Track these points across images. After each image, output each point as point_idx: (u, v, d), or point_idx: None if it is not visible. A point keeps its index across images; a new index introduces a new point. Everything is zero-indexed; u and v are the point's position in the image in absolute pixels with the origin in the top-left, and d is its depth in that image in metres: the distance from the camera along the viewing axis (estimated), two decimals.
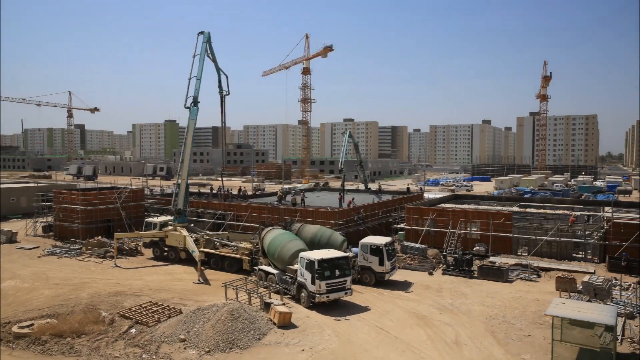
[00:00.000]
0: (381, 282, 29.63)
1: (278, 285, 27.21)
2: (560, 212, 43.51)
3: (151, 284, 30.24)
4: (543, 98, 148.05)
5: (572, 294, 26.65)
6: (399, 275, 31.37)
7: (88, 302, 25.96)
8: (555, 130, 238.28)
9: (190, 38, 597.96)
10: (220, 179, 55.83)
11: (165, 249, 37.14)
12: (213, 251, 34.32)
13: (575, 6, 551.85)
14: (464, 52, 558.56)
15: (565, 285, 27.49)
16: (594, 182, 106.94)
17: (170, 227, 37.38)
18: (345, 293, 25.44)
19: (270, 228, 31.37)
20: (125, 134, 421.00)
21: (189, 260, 35.33)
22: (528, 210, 45.33)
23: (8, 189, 59.90)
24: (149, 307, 24.29)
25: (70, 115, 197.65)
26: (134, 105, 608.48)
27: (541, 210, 45.00)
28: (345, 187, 66.84)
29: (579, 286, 26.85)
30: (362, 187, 68.19)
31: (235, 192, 56.62)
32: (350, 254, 30.53)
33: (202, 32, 37.84)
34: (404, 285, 29.80)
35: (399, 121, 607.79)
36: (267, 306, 23.86)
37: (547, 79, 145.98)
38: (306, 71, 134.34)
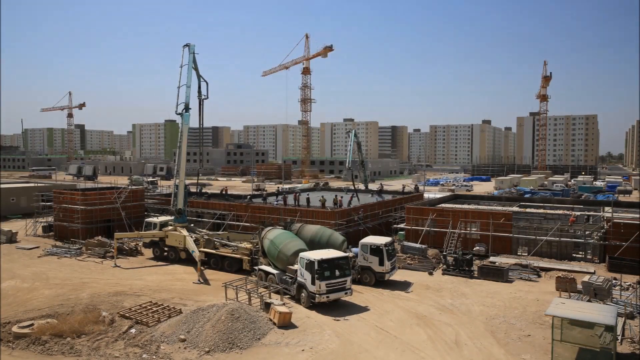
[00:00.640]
0: (381, 282, 29.63)
1: (278, 285, 27.20)
2: (560, 212, 43.50)
3: (151, 284, 30.24)
4: (543, 98, 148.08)
5: (572, 294, 26.65)
6: (399, 275, 31.37)
7: (88, 302, 25.96)
8: (555, 130, 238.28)
9: (190, 38, 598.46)
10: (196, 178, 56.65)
11: (165, 249, 37.14)
12: (213, 251, 34.31)
13: (576, 6, 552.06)
14: (464, 52, 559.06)
15: (565, 285, 27.48)
16: (594, 182, 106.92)
17: (170, 227, 37.38)
18: (345, 293, 25.42)
19: (270, 228, 31.35)
20: (125, 134, 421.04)
21: (189, 260, 35.32)
22: (528, 210, 45.33)
23: (8, 189, 59.90)
24: (149, 307, 24.29)
25: (70, 115, 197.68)
26: (134, 105, 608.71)
27: (541, 210, 44.99)
28: (345, 188, 66.97)
29: (579, 286, 26.84)
30: (362, 186, 68.15)
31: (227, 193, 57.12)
32: (350, 254, 30.54)
33: (187, 45, 38.89)
34: (404, 285, 29.80)
35: (399, 121, 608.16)
36: (267, 306, 23.85)
37: (547, 79, 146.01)
38: (306, 71, 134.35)
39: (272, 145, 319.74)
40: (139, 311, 23.74)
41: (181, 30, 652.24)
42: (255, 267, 30.70)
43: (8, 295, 27.36)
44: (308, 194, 53.82)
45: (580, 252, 36.53)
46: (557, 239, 35.84)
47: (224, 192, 57.03)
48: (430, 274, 32.87)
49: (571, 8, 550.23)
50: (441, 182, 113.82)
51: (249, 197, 50.55)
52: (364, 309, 25.21)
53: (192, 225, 39.04)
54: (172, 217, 38.75)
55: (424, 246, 36.64)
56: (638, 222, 34.43)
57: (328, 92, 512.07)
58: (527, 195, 69.63)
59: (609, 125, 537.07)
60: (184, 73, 38.46)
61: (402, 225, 42.00)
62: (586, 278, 26.83)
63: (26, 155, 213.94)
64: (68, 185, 65.47)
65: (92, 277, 31.84)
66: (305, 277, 25.25)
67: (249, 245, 33.35)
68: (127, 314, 23.35)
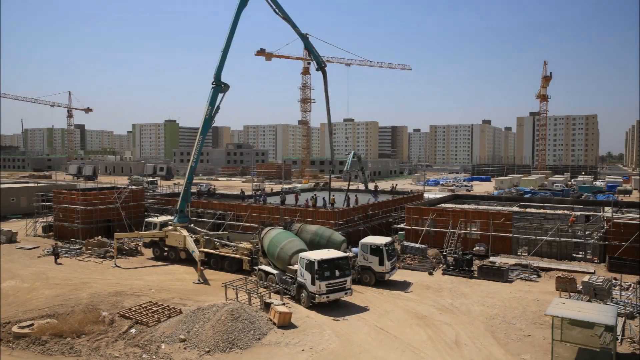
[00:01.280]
0: (381, 282, 29.64)
1: (278, 285, 27.18)
2: (560, 212, 43.51)
3: (151, 284, 30.24)
4: (543, 98, 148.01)
5: (572, 294, 26.65)
6: (399, 275, 31.37)
7: (88, 302, 25.97)
8: (555, 130, 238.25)
9: (190, 38, 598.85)
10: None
11: (165, 249, 37.15)
12: (213, 251, 34.32)
13: (575, 6, 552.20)
14: (464, 52, 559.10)
15: (565, 285, 27.49)
16: (594, 182, 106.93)
17: (170, 227, 37.38)
18: (345, 293, 25.40)
19: (270, 228, 31.32)
20: (125, 134, 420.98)
21: (189, 260, 35.33)
22: (528, 210, 45.33)
23: (8, 189, 59.90)
24: (149, 307, 24.29)
25: (70, 115, 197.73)
26: (134, 105, 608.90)
27: (541, 210, 44.99)
28: (345, 188, 66.96)
29: (579, 286, 26.84)
30: (362, 187, 68.22)
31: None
32: (350, 254, 30.55)
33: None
34: (404, 285, 29.80)
35: (399, 121, 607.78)
36: (267, 306, 23.86)
37: (547, 79, 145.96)
38: (306, 71, 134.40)
39: (272, 145, 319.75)
40: (139, 311, 23.74)
41: (181, 30, 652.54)
42: (255, 267, 30.68)
43: (8, 295, 27.36)
44: (298, 194, 53.68)
45: (580, 252, 36.52)
46: (557, 239, 35.84)
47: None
48: (430, 274, 32.87)
49: (571, 8, 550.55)
50: (441, 182, 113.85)
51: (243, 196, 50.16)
52: (364, 309, 25.21)
53: (192, 225, 39.04)
54: (173, 217, 38.78)
55: (424, 246, 36.65)
56: (638, 222, 34.43)
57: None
58: (527, 195, 69.63)
59: (609, 125, 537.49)
60: None
61: (402, 225, 42.00)
62: (586, 278, 26.82)
63: (26, 155, 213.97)
64: (68, 185, 65.47)
65: (92, 277, 31.84)
66: (305, 277, 25.23)
67: (248, 246, 33.35)
68: (127, 314, 23.35)
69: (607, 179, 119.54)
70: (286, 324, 22.38)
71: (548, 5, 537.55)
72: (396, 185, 66.85)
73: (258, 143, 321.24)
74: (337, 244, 29.95)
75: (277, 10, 39.64)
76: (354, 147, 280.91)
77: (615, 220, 35.33)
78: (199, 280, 30.93)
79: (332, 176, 57.24)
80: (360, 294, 27.67)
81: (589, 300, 24.58)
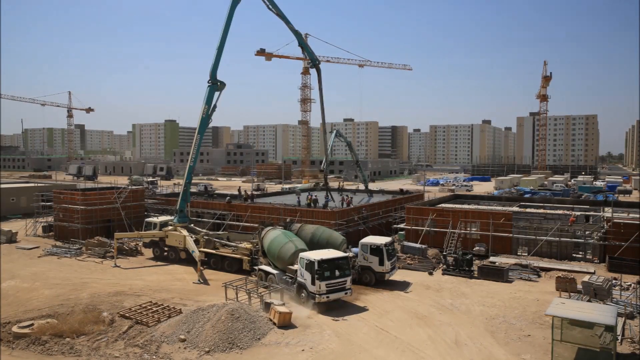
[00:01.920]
0: (381, 282, 29.62)
1: (278, 285, 27.18)
2: (560, 212, 43.49)
3: (151, 284, 30.24)
4: (543, 98, 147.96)
5: (572, 294, 26.65)
6: (399, 275, 31.36)
7: (88, 302, 25.96)
8: (555, 130, 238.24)
9: (190, 37, 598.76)
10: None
11: (165, 249, 37.14)
12: (213, 251, 34.31)
13: (575, 6, 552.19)
14: (464, 52, 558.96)
15: (565, 285, 27.48)
16: (594, 182, 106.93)
17: (170, 227, 37.38)
18: (345, 293, 25.40)
19: (270, 228, 31.31)
20: (125, 134, 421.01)
21: (189, 260, 35.32)
22: (528, 210, 45.32)
23: (8, 189, 59.89)
24: (149, 307, 24.29)
25: (70, 115, 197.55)
26: (134, 105, 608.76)
27: (541, 210, 44.97)
28: (345, 188, 67.00)
29: (579, 286, 26.84)
30: (362, 187, 68.18)
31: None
32: (350, 254, 30.54)
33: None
34: (404, 285, 29.79)
35: (399, 121, 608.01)
36: (267, 306, 23.86)
37: (547, 79, 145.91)
38: (306, 71, 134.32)
39: (272, 145, 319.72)
40: (139, 311, 23.74)
41: (181, 29, 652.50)
42: (255, 267, 30.69)
43: (8, 295, 27.36)
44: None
45: (580, 252, 36.52)
46: (557, 239, 35.84)
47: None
48: (430, 274, 32.87)
49: (571, 8, 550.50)
50: (441, 182, 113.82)
51: (228, 198, 49.95)
52: (364, 309, 25.21)
53: (192, 225, 39.04)
54: (173, 217, 38.79)
55: (424, 246, 36.64)
56: (638, 222, 34.43)
57: (328, 92, 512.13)
58: (527, 195, 69.64)
59: (609, 125, 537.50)
60: None
61: (402, 225, 41.99)
62: (586, 278, 26.82)
63: (26, 155, 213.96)
64: (68, 185, 65.47)
65: (92, 277, 31.84)
66: (305, 277, 25.22)
67: (248, 245, 33.34)
68: (127, 314, 23.34)
69: (607, 179, 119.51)
70: (286, 324, 22.38)
71: (548, 5, 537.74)
72: (404, 189, 66.03)
73: (258, 143, 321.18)
74: (337, 244, 29.94)
75: (270, 7, 39.66)
76: (354, 147, 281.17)
77: (615, 220, 35.33)
78: (199, 280, 30.93)
79: (332, 176, 57.15)
80: (360, 294, 27.66)
81: (589, 300, 24.57)
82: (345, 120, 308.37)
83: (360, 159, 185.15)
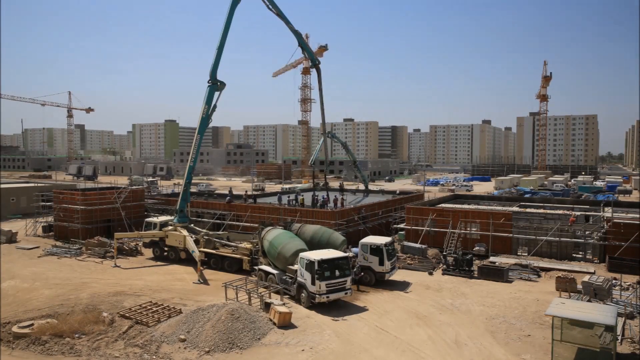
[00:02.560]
0: (381, 282, 29.62)
1: (278, 285, 27.19)
2: (560, 212, 43.49)
3: (151, 284, 30.24)
4: (543, 98, 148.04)
5: (572, 294, 26.65)
6: (399, 275, 31.36)
7: (88, 302, 25.96)
8: (555, 130, 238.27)
9: (189, 37, 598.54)
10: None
11: (165, 249, 37.15)
12: (213, 251, 34.32)
13: (575, 6, 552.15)
14: (464, 52, 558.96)
15: (565, 285, 27.48)
16: (594, 182, 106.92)
17: (170, 227, 37.38)
18: (346, 293, 25.36)
19: (270, 228, 31.31)
20: (125, 134, 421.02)
21: (189, 260, 35.32)
22: (528, 210, 45.32)
23: (8, 189, 59.89)
24: (149, 307, 24.29)
25: (70, 115, 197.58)
26: (134, 105, 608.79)
27: (541, 210, 44.97)
28: (345, 188, 66.96)
29: (579, 286, 26.84)
30: (362, 187, 68.21)
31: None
32: (350, 254, 30.56)
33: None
34: (404, 285, 29.79)
35: (399, 121, 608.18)
36: (267, 306, 23.86)
37: (547, 79, 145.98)
38: (306, 71, 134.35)
39: (272, 145, 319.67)
40: (139, 311, 23.74)
41: (181, 29, 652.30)
42: (255, 267, 30.70)
43: (8, 295, 27.36)
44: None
45: (580, 252, 36.52)
46: (557, 239, 35.84)
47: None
48: (430, 274, 32.87)
49: (571, 8, 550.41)
50: (441, 182, 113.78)
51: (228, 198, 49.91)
52: (364, 309, 25.21)
53: (192, 225, 39.06)
54: (173, 217, 38.79)
55: (424, 246, 36.64)
56: (638, 222, 34.43)
57: (328, 92, 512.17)
58: (527, 195, 69.63)
59: (609, 125, 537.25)
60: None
61: (402, 225, 41.99)
62: (586, 278, 26.82)
63: (26, 155, 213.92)
64: (68, 185, 65.48)
65: (92, 277, 31.84)
66: (305, 277, 25.19)
67: (248, 245, 33.33)
68: (127, 314, 23.35)
69: (607, 179, 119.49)
70: (286, 324, 22.38)
71: (548, 5, 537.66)
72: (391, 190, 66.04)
73: (258, 143, 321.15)
74: (337, 244, 29.93)
75: (270, 7, 39.67)
76: (354, 147, 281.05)
77: (615, 220, 35.33)
78: (199, 280, 30.93)
79: (332, 176, 57.27)
80: (360, 294, 27.68)
81: (589, 300, 24.57)
82: (345, 120, 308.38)
83: (360, 159, 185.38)
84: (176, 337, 20.88)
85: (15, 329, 21.24)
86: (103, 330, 21.64)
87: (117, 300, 26.30)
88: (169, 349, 20.02)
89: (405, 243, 37.75)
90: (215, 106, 37.67)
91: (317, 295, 24.58)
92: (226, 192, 57.04)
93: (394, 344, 20.58)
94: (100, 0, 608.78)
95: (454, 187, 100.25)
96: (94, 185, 63.37)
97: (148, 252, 38.61)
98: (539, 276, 31.69)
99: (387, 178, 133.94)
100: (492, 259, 35.12)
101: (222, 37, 37.28)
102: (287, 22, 41.33)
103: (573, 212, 42.17)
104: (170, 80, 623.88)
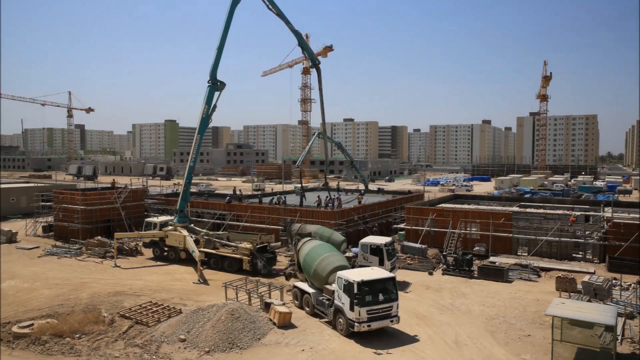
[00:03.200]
0: None
1: (316, 307, 23.70)
2: (560, 212, 43.49)
3: (151, 284, 30.23)
4: (543, 98, 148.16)
5: (572, 294, 26.65)
6: (399, 275, 31.22)
7: (88, 302, 25.95)
8: (555, 130, 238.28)
9: (189, 37, 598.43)
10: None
11: (165, 249, 37.14)
12: (213, 251, 34.31)
13: (576, 6, 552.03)
14: (464, 52, 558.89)
15: (565, 285, 27.48)
16: (594, 182, 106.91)
17: (170, 227, 37.38)
18: (391, 321, 21.30)
19: (308, 239, 27.39)
20: (125, 134, 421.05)
21: (189, 260, 35.32)
22: (528, 210, 45.31)
23: (8, 189, 59.87)
24: (149, 307, 24.29)
25: (70, 115, 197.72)
26: (134, 105, 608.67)
27: (541, 210, 44.97)
28: (345, 188, 66.96)
29: (579, 286, 26.83)
30: (362, 186, 68.21)
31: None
32: (351, 254, 30.55)
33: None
34: (404, 285, 29.77)
35: (399, 121, 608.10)
36: (267, 306, 23.84)
37: (547, 79, 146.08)
38: (306, 71, 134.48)
39: (272, 145, 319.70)
40: (139, 311, 23.74)
41: (181, 29, 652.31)
42: (291, 283, 27.29)
43: (8, 295, 27.35)
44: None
45: (580, 252, 36.51)
46: (557, 239, 35.83)
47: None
48: (430, 274, 32.86)
49: (571, 8, 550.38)
50: (441, 182, 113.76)
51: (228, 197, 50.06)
52: None
53: (192, 225, 39.07)
54: (173, 217, 38.78)
55: (424, 246, 36.63)
56: (638, 222, 34.42)
57: (328, 92, 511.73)
58: (527, 195, 69.63)
59: (609, 125, 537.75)
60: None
61: (402, 225, 41.98)
62: (586, 278, 26.82)
63: (26, 155, 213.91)
64: (68, 185, 65.46)
65: (92, 277, 31.83)
66: (343, 300, 21.21)
67: (248, 245, 33.31)
68: (127, 314, 23.34)
69: (607, 179, 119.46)
70: (286, 324, 22.37)
71: (548, 5, 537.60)
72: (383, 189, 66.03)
73: (258, 143, 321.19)
74: (337, 244, 29.89)
75: (270, 7, 39.69)
76: (353, 147, 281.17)
77: (615, 220, 35.33)
78: (199, 280, 30.92)
79: (332, 176, 57.34)
80: None
81: (589, 300, 24.57)
82: (345, 120, 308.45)
83: (360, 159, 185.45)
84: (176, 337, 20.88)
85: (15, 329, 21.23)
86: (103, 330, 21.63)
87: (117, 300, 26.29)
88: (169, 349, 20.02)
89: (405, 243, 37.74)
90: (215, 106, 37.68)
91: (356, 324, 20.62)
92: (226, 192, 57.17)
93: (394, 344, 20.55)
94: (101, 0, 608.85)
95: (454, 187, 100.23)
96: (94, 185, 63.36)
97: (148, 252, 38.61)
98: (539, 276, 31.69)
99: (387, 178, 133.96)
100: (492, 259, 35.12)
101: (222, 37, 37.28)
102: (287, 22, 41.36)
103: (573, 212, 42.16)
104: (170, 81, 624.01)
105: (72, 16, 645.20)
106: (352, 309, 20.67)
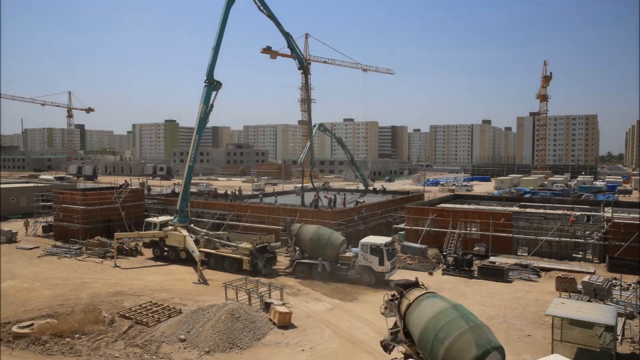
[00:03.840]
0: (381, 282, 29.59)
1: None
2: (560, 212, 43.50)
3: (151, 284, 30.23)
4: (543, 98, 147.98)
5: (572, 294, 26.65)
6: (399, 275, 31.24)
7: (88, 302, 25.96)
8: (555, 130, 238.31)
9: (189, 36, 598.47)
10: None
11: (165, 249, 37.13)
12: (213, 251, 34.31)
13: (575, 6, 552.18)
14: (464, 52, 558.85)
15: (565, 285, 27.48)
16: (594, 182, 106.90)
17: (170, 227, 37.38)
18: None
19: (423, 294, 16.88)
20: (125, 134, 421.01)
21: (189, 260, 35.32)
22: (528, 210, 45.34)
23: (8, 189, 59.87)
24: (149, 307, 24.30)
25: (70, 115, 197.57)
26: (134, 105, 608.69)
27: (541, 210, 44.99)
28: (346, 188, 66.95)
29: (579, 286, 26.84)
30: (362, 186, 68.18)
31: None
32: (351, 254, 30.56)
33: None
34: None
35: (399, 121, 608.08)
36: (267, 306, 23.85)
37: (547, 79, 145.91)
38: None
39: (272, 145, 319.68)
40: (139, 311, 23.75)
41: (180, 29, 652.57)
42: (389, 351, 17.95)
43: (8, 295, 27.35)
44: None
45: (580, 252, 36.52)
46: (557, 239, 35.84)
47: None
48: (430, 274, 32.87)
49: (571, 8, 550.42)
50: (441, 182, 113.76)
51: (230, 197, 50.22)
52: (364, 309, 25.15)
53: (192, 225, 39.06)
54: (173, 217, 38.78)
55: (424, 246, 36.64)
56: (638, 222, 34.43)
57: (328, 92, 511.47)
58: (527, 195, 69.63)
59: (609, 125, 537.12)
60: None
61: (402, 225, 41.98)
62: (586, 278, 26.83)
63: (26, 155, 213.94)
64: (68, 185, 65.46)
65: (92, 277, 31.83)
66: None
67: (248, 246, 33.31)
68: (127, 314, 23.35)
69: (607, 179, 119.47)
70: (286, 324, 22.38)
71: (548, 5, 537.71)
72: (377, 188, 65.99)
73: (258, 143, 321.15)
74: (337, 244, 29.88)
75: (261, 8, 39.67)
76: (353, 147, 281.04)
77: (615, 220, 35.33)
78: (199, 280, 30.92)
79: (332, 176, 57.34)
80: (360, 294, 27.66)
81: (589, 300, 24.57)
82: (345, 120, 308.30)
83: (360, 159, 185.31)
84: (176, 337, 20.88)
85: (15, 329, 21.24)
86: (103, 330, 21.64)
87: (117, 300, 26.30)
88: (169, 349, 20.02)
89: (405, 243, 37.75)
90: (212, 105, 37.72)
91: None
92: (227, 192, 57.19)
93: None
94: (101, 0, 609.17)
95: (454, 187, 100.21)
96: (94, 185, 63.36)
97: (148, 252, 38.60)
98: (539, 276, 31.70)
99: (387, 178, 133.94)
100: (492, 259, 35.13)
101: (217, 37, 37.31)
102: (278, 24, 41.40)
103: (573, 212, 42.16)
104: (170, 80, 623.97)
105: (72, 16, 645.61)
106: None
